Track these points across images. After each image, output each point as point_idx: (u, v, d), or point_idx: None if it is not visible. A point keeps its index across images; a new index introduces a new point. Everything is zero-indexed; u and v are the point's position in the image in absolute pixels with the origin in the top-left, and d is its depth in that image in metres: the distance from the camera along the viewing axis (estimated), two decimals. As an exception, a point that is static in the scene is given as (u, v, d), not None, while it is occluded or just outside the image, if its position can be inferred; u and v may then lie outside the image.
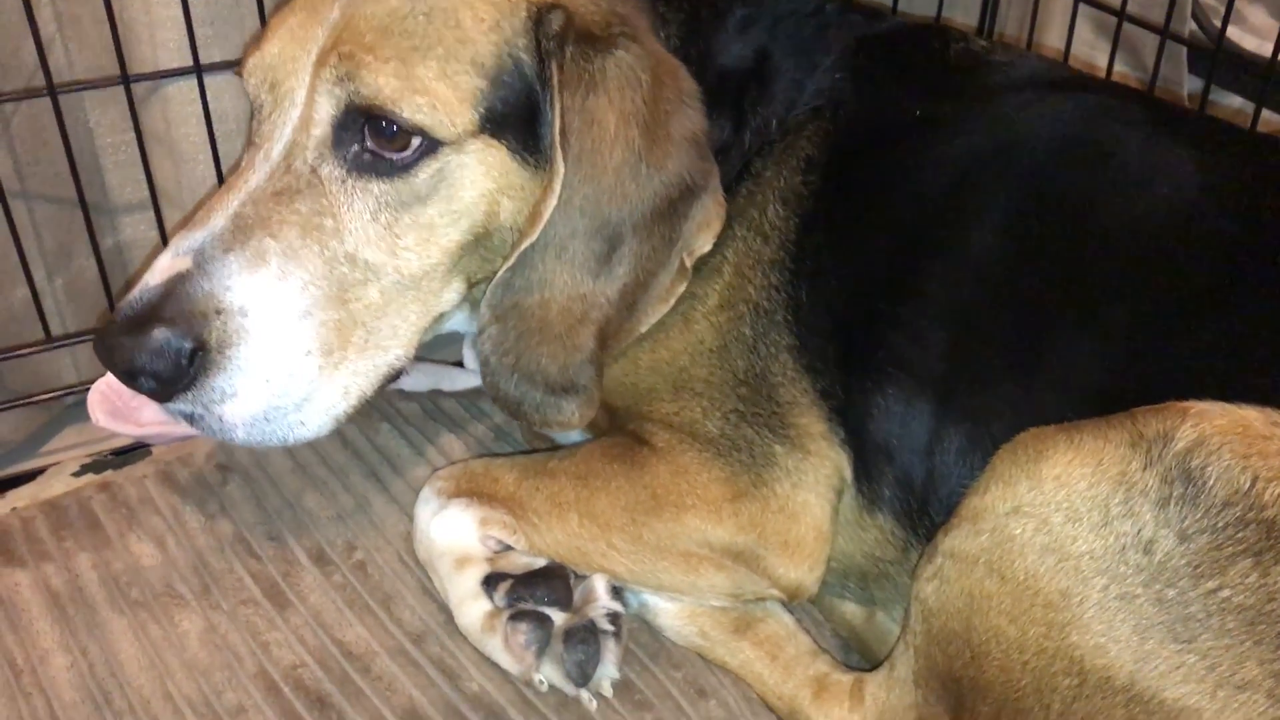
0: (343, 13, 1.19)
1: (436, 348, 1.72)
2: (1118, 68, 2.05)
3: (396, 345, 1.25)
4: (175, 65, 1.56)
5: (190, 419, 1.20)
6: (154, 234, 1.69)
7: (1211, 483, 0.93)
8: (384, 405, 1.63)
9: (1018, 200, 1.23)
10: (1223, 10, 1.81)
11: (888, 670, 1.19)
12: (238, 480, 1.52)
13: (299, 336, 1.17)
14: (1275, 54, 1.72)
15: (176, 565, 1.41)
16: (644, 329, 1.29)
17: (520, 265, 1.22)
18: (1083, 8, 1.96)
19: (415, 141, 1.17)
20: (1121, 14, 1.88)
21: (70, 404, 1.74)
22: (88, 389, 1.45)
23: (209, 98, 1.57)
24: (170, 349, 1.13)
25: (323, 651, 1.31)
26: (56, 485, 1.54)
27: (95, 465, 1.57)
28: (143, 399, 1.61)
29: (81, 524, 1.46)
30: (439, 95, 1.16)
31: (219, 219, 1.17)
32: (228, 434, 1.19)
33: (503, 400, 1.27)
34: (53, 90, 1.50)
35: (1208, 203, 1.19)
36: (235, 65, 1.57)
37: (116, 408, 1.59)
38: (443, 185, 1.20)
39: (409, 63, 1.16)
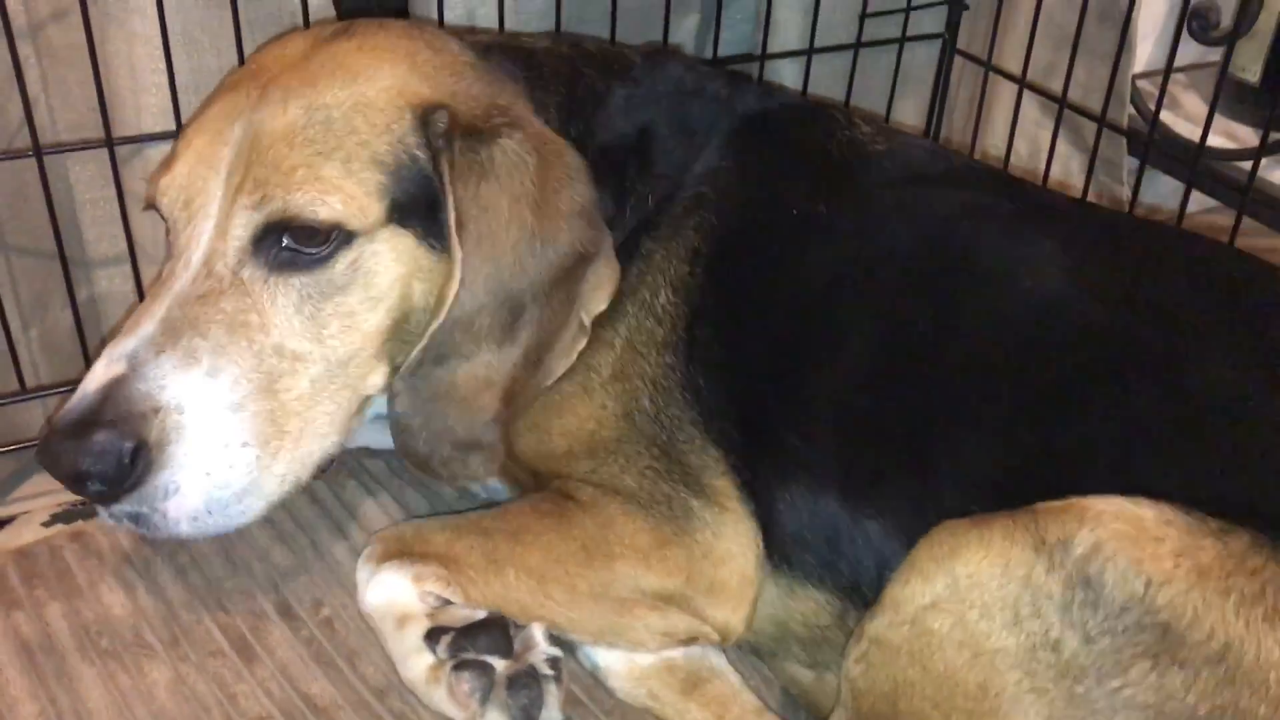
0: (245, 130, 1.28)
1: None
2: (1062, 146, 2.15)
3: (332, 432, 1.32)
4: (158, 129, 1.62)
5: (136, 520, 1.25)
6: (129, 287, 1.74)
7: (1109, 588, 0.99)
8: (351, 462, 1.69)
9: (885, 305, 1.32)
10: (1159, 95, 1.91)
11: (824, 736, 1.26)
12: (207, 533, 1.57)
13: (234, 428, 1.24)
14: (1203, 139, 1.83)
15: (146, 616, 1.45)
16: (549, 382, 1.37)
17: (431, 344, 1.31)
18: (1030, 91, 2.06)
19: (332, 234, 1.26)
20: (1063, 101, 1.99)
21: (41, 451, 1.77)
22: (61, 440, 1.50)
23: (190, 162, 1.63)
24: (112, 450, 1.19)
25: (289, 704, 1.36)
26: (26, 534, 1.58)
27: (65, 515, 1.61)
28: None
29: (52, 573, 1.50)
30: (347, 190, 1.25)
31: (148, 325, 1.25)
32: (172, 529, 1.25)
33: (413, 458, 1.36)
34: (38, 151, 1.55)
35: (1073, 292, 1.27)
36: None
37: (90, 459, 1.63)
38: (359, 273, 1.28)
39: (314, 166, 1.25)
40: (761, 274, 1.38)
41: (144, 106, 1.61)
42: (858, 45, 2.05)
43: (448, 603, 1.37)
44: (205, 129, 1.31)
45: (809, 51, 2.00)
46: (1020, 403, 1.23)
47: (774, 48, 2.01)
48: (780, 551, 1.33)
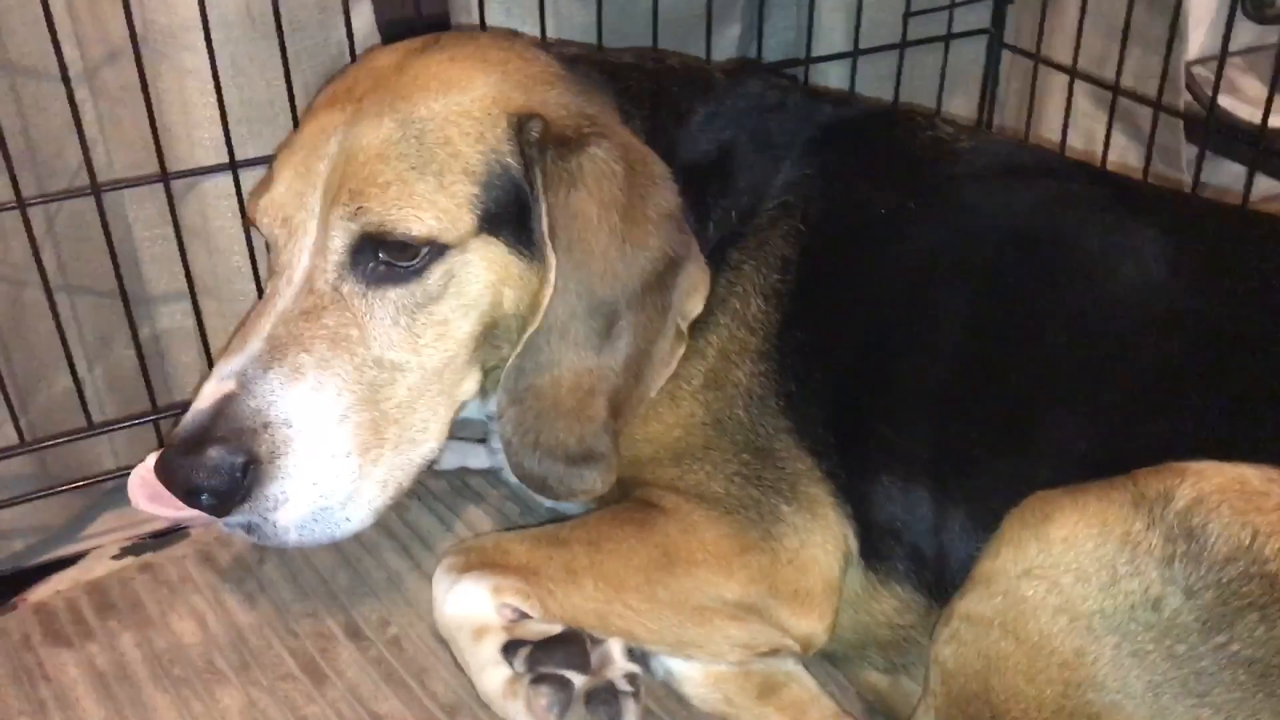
0: (341, 146, 1.29)
1: (464, 427, 1.76)
2: (1118, 137, 2.11)
3: (428, 438, 1.34)
4: (212, 162, 1.63)
5: (248, 529, 1.28)
6: (190, 323, 1.75)
7: (1213, 540, 0.97)
8: (414, 483, 1.67)
9: (981, 292, 1.31)
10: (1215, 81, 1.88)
11: (911, 732, 1.22)
12: (274, 559, 1.56)
13: (339, 439, 1.27)
14: (1264, 121, 1.79)
15: (217, 643, 1.45)
16: (652, 393, 1.37)
17: (528, 350, 1.31)
18: (1083, 83, 2.03)
19: (424, 249, 1.27)
20: (1116, 88, 1.96)
21: (109, 489, 1.79)
22: (127, 474, 1.50)
23: (244, 192, 1.64)
24: (225, 465, 1.23)
25: (360, 725, 1.35)
26: (98, 568, 1.59)
27: (135, 548, 1.62)
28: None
29: (124, 604, 1.51)
30: (440, 206, 1.26)
31: (255, 342, 1.27)
32: (281, 538, 1.27)
33: (528, 478, 1.34)
34: (96, 189, 1.57)
35: (1174, 281, 1.25)
36: (270, 160, 1.65)
37: (156, 492, 1.63)
38: (452, 283, 1.29)
39: (408, 181, 1.26)
40: (853, 272, 1.38)
41: (197, 141, 1.63)
42: (903, 45, 2.04)
43: (525, 616, 1.35)
44: (301, 145, 1.32)
45: (854, 54, 2.00)
46: (1119, 386, 1.21)
47: (818, 51, 2.00)
48: (871, 545, 1.30)
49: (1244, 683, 0.93)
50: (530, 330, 1.31)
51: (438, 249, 1.27)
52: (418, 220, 1.25)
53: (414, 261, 1.27)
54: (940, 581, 1.27)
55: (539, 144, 1.29)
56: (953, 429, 1.27)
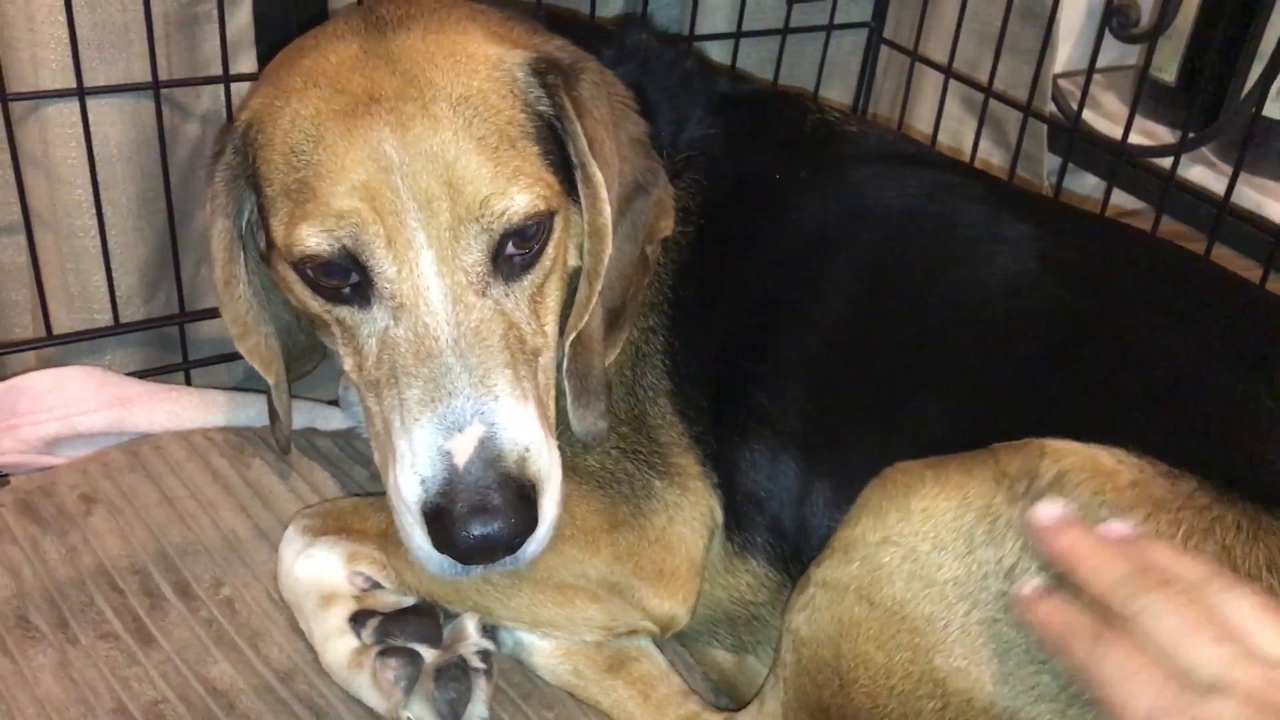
0: (407, 154, 1.13)
1: (311, 386, 1.70)
2: (984, 143, 2.16)
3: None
4: (57, 86, 1.53)
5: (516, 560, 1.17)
6: (24, 258, 1.64)
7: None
8: (256, 440, 1.61)
9: (865, 268, 1.31)
10: (1079, 94, 1.93)
11: (758, 706, 1.21)
12: (102, 512, 1.47)
13: (550, 441, 1.18)
14: (1125, 136, 1.85)
15: (32, 597, 1.35)
16: (630, 325, 1.33)
17: (591, 281, 1.26)
18: (953, 85, 2.07)
19: (543, 225, 1.19)
20: (989, 90, 2.00)
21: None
22: (-56, 415, 1.40)
23: (90, 121, 1.54)
24: (524, 508, 1.13)
25: (185, 688, 1.27)
26: (-95, 514, 1.47)
27: (-52, 494, 1.51)
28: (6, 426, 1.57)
29: (-70, 554, 1.40)
30: (534, 174, 1.17)
31: (460, 382, 1.13)
32: (525, 560, 1.17)
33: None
34: (-76, 106, 1.46)
35: (1044, 273, 1.27)
36: (120, 90, 1.56)
37: (-26, 434, 1.53)
38: (555, 251, 1.22)
39: (505, 162, 1.15)
40: (744, 233, 1.37)
41: (42, 61, 1.52)
42: (785, 30, 2.05)
43: (378, 586, 1.31)
44: (348, 168, 1.13)
45: (737, 35, 1.99)
46: (985, 374, 1.22)
47: (701, 30, 1.99)
48: (734, 515, 1.29)
49: None
50: (606, 260, 1.23)
51: (549, 222, 1.19)
52: (538, 197, 1.15)
53: (534, 242, 1.18)
54: (797, 556, 1.26)
55: (558, 80, 1.22)
56: (825, 402, 1.26)
